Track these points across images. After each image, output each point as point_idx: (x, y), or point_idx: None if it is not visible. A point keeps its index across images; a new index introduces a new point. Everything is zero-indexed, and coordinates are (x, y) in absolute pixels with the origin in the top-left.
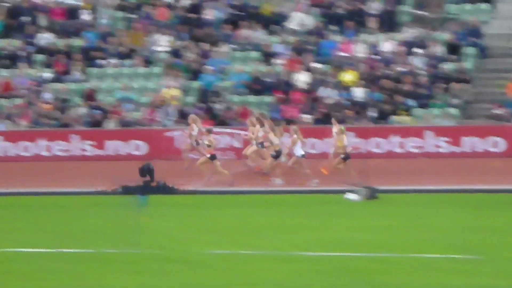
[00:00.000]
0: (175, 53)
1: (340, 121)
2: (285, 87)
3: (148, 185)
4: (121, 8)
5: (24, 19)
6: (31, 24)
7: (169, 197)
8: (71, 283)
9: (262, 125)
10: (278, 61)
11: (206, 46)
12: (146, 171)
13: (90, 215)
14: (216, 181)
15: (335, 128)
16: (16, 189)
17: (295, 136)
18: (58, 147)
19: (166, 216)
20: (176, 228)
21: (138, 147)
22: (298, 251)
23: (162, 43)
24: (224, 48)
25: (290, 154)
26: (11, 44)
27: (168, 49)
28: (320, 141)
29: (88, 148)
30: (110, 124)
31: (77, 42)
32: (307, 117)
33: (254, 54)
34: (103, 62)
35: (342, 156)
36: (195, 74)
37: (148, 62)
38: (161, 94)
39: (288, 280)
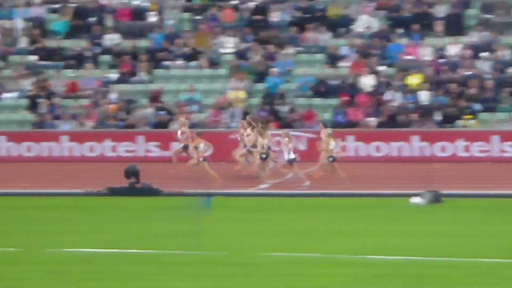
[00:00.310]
0: (241, 55)
1: (405, 124)
2: (350, 90)
3: (134, 187)
4: (187, 9)
5: (91, 19)
6: (97, 25)
7: (228, 200)
8: (134, 285)
9: (253, 128)
10: (344, 63)
11: (271, 48)
12: (132, 173)
13: (153, 217)
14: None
15: (323, 132)
16: (79, 190)
17: (286, 139)
18: (123, 148)
19: (229, 219)
20: (239, 231)
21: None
22: (358, 255)
23: (228, 45)
24: (290, 50)
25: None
26: (77, 44)
27: (233, 51)
28: (385, 144)
29: (153, 149)
30: (175, 126)
31: (143, 43)
32: (371, 120)
33: (320, 56)
34: (168, 63)
35: (330, 159)
36: (260, 76)
37: (213, 63)
38: (226, 96)
39: (348, 284)
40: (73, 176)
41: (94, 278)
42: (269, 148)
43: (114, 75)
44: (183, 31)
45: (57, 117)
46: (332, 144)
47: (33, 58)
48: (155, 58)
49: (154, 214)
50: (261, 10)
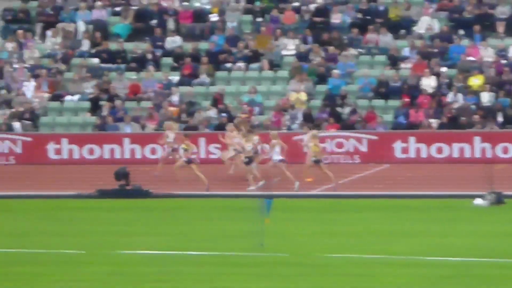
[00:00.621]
0: (302, 56)
1: (467, 126)
2: (412, 91)
3: (124, 189)
4: (248, 11)
5: (152, 22)
6: (159, 27)
7: (289, 201)
8: (197, 286)
9: (239, 132)
10: (405, 65)
11: (332, 50)
12: (122, 175)
13: (214, 218)
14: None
15: (309, 134)
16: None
17: (274, 141)
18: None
19: (291, 220)
20: (301, 232)
21: (264, 151)
22: (421, 256)
23: (289, 46)
24: (351, 52)
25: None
26: (139, 47)
27: (294, 52)
28: (446, 146)
29: (215, 151)
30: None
31: (205, 45)
32: (433, 122)
33: (381, 58)
34: (230, 65)
35: (314, 159)
36: (321, 78)
37: (274, 65)
38: (287, 97)
39: (412, 285)
40: (136, 179)
41: (156, 279)
42: (256, 151)
43: (175, 77)
44: (244, 33)
45: (119, 120)
46: (319, 144)
47: (95, 60)
48: (216, 60)
49: (215, 215)
50: (322, 12)
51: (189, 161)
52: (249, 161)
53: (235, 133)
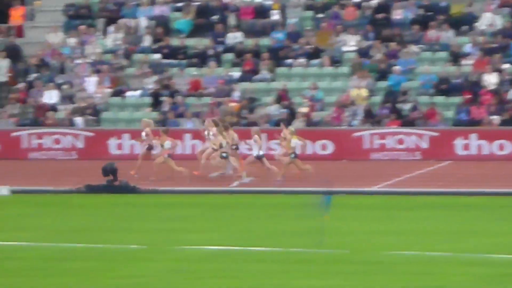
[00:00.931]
0: (363, 53)
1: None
2: (473, 87)
3: (111, 185)
4: (309, 7)
5: (214, 18)
6: (220, 23)
7: (349, 198)
8: (258, 283)
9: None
10: (467, 61)
11: (394, 46)
12: (110, 170)
13: (274, 215)
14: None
15: (286, 131)
16: (203, 187)
17: (256, 136)
18: (246, 146)
19: (350, 217)
20: (361, 229)
21: (325, 147)
22: (486, 254)
23: (350, 43)
24: (412, 48)
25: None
26: (201, 43)
27: (355, 49)
28: (508, 143)
29: (275, 146)
30: (298, 124)
31: (266, 41)
32: (495, 118)
33: (442, 54)
34: (290, 61)
35: (292, 155)
36: (382, 74)
37: (335, 62)
38: (348, 94)
39: (474, 284)
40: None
41: (217, 276)
42: (236, 147)
43: (236, 73)
44: (305, 29)
45: (180, 115)
46: (293, 141)
47: (157, 56)
48: (277, 56)
49: (274, 212)
50: (384, 8)
51: (169, 156)
52: (226, 156)
53: (214, 130)
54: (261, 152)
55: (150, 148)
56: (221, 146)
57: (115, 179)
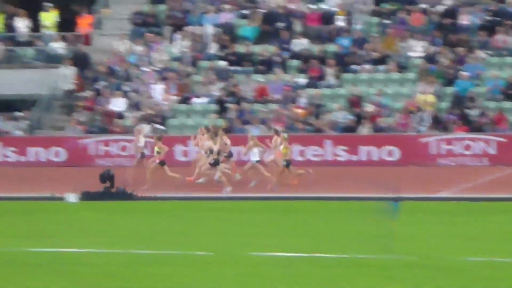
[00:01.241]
0: (430, 58)
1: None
2: None
3: (108, 191)
4: (376, 13)
5: (279, 25)
6: (286, 30)
7: (417, 204)
8: (324, 287)
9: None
10: None
11: (461, 52)
12: (107, 177)
13: (341, 220)
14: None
15: (278, 137)
16: (270, 194)
17: (251, 142)
18: (312, 152)
19: (418, 223)
20: (429, 234)
21: (391, 153)
22: None
23: (417, 48)
24: (479, 53)
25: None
26: (267, 49)
27: (422, 54)
28: None
29: (341, 153)
30: (364, 130)
31: (331, 47)
32: None
33: (510, 59)
34: (356, 67)
35: (284, 162)
36: (449, 80)
37: (402, 67)
38: (415, 100)
39: None
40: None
41: (285, 281)
42: (228, 154)
43: (302, 79)
44: (371, 35)
45: (246, 122)
46: (289, 148)
47: (223, 63)
48: (343, 63)
49: (341, 217)
50: (450, 13)
51: (162, 163)
52: (215, 163)
53: (206, 136)
54: (257, 158)
55: (143, 156)
56: (211, 152)
57: (112, 186)
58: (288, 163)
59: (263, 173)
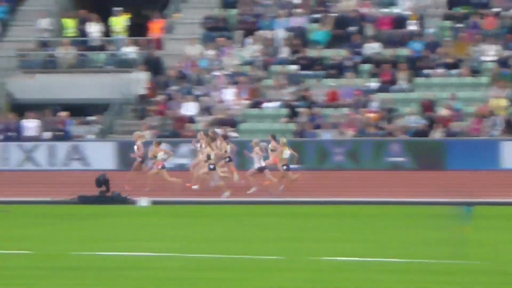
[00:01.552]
0: (503, 62)
1: None
2: None
3: (104, 195)
4: (448, 17)
5: (351, 29)
6: (357, 34)
7: (490, 209)
8: None
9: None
10: None
11: None
12: (102, 181)
13: (410, 225)
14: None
15: (275, 142)
16: (338, 198)
17: (256, 148)
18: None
19: (490, 228)
20: (503, 240)
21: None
22: None
23: (489, 52)
24: None
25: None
26: (338, 54)
27: (495, 58)
28: None
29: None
30: (436, 134)
31: (404, 51)
32: None
33: None
34: (429, 71)
35: (284, 167)
36: None
37: (475, 72)
38: (488, 104)
39: None
40: (336, 185)
41: (354, 286)
42: (229, 159)
43: (374, 83)
44: (444, 40)
45: (317, 126)
46: (286, 153)
47: (294, 67)
48: (415, 67)
49: (410, 222)
50: None
51: (162, 168)
52: (214, 167)
53: (204, 141)
54: (262, 164)
55: (142, 161)
56: (209, 157)
57: (108, 190)
58: (288, 168)
59: (270, 177)
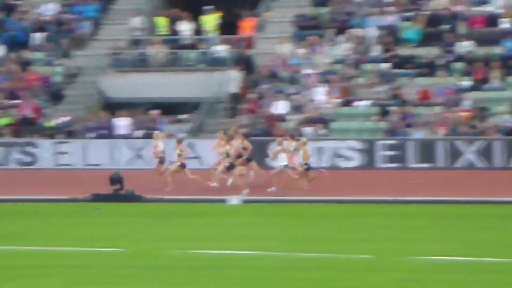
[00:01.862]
0: None
1: None
2: None
3: (117, 193)
4: None
5: (443, 27)
6: (450, 32)
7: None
8: None
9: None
10: None
11: None
12: (116, 179)
13: (499, 225)
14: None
15: (294, 142)
16: (449, 197)
17: (278, 147)
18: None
19: None
20: None
21: None
22: None
23: None
24: None
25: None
26: (430, 52)
27: None
28: None
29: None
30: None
31: (497, 50)
32: None
33: None
34: None
35: (305, 166)
36: None
37: None
38: None
39: None
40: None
41: (448, 287)
42: (248, 158)
43: (467, 82)
44: None
45: (409, 125)
46: (309, 152)
47: (386, 66)
48: (508, 65)
49: (502, 222)
50: None
51: (183, 165)
52: (231, 166)
53: (223, 141)
54: (286, 162)
55: (161, 161)
56: (227, 156)
57: (122, 188)
58: (309, 167)
59: (292, 176)
